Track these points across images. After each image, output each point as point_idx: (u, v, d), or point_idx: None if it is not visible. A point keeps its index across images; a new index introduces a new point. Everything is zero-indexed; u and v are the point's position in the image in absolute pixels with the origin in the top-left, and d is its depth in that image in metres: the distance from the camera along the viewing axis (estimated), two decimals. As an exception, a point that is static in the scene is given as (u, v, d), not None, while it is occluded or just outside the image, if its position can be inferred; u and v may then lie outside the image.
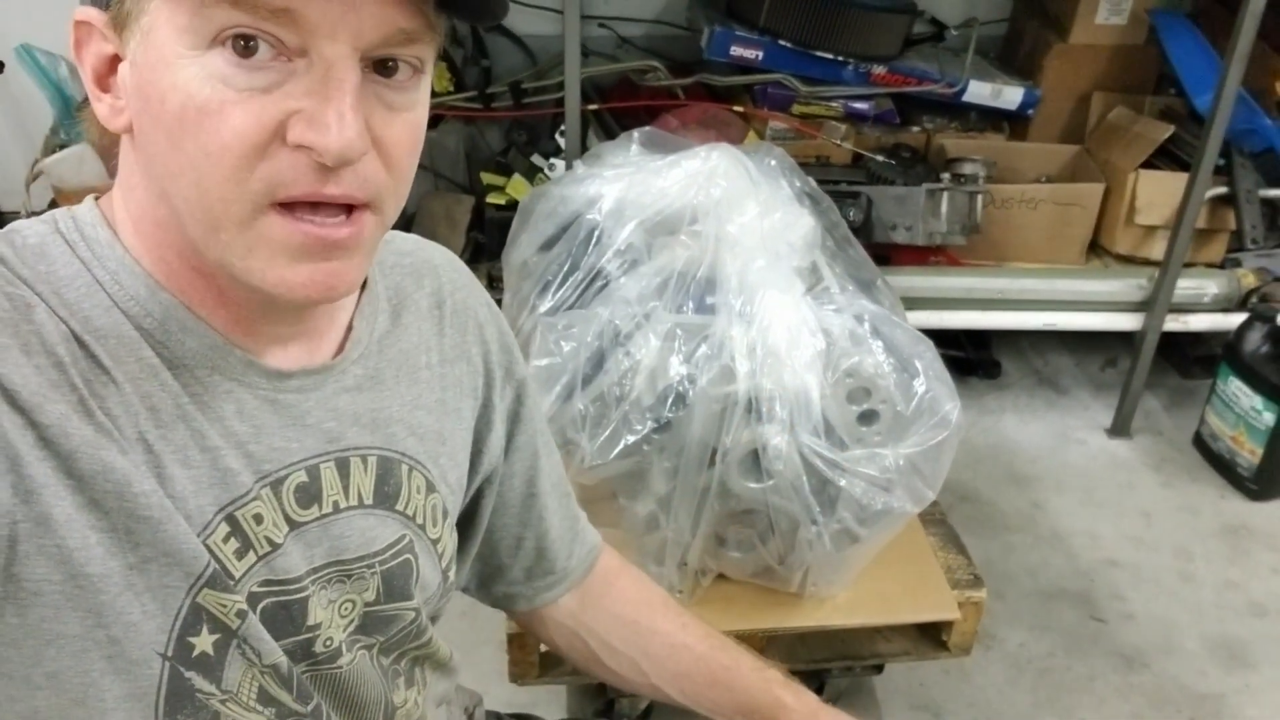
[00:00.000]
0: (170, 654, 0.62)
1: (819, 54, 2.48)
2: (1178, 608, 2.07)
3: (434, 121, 2.50)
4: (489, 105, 2.56)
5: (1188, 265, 2.46)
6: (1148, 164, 2.52)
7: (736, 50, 2.44)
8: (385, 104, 0.59)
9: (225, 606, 0.63)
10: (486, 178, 2.57)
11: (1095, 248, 2.67)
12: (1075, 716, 1.83)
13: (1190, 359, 2.74)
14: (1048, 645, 1.97)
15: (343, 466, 0.70)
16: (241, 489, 0.64)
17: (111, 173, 0.66)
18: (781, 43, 2.45)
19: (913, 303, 2.30)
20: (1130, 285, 2.48)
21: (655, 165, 1.32)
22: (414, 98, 0.61)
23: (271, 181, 0.56)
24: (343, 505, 0.70)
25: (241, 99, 0.55)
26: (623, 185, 1.31)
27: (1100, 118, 2.71)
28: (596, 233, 1.28)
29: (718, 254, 1.22)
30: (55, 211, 0.64)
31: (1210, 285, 2.48)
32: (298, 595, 0.68)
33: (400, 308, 0.77)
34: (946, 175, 2.43)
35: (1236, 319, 2.41)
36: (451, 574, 0.81)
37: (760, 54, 2.45)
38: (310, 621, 0.69)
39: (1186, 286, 2.44)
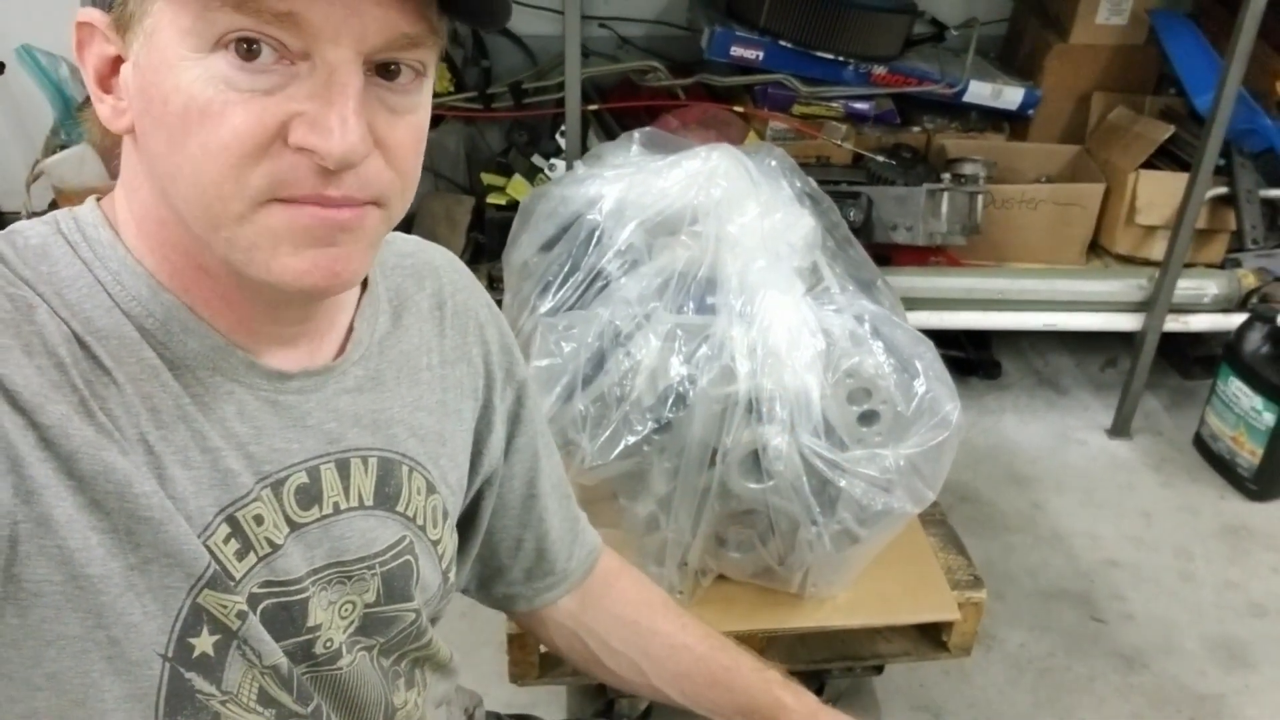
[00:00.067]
0: (170, 655, 0.62)
1: (819, 54, 2.48)
2: (1178, 608, 2.07)
3: (434, 122, 2.48)
4: (489, 106, 2.56)
5: (1188, 265, 2.46)
6: (1148, 164, 2.52)
7: (737, 50, 2.44)
8: (388, 107, 0.59)
9: (226, 607, 0.63)
10: (487, 178, 2.57)
11: (1095, 248, 2.67)
12: (1075, 717, 1.83)
13: (1190, 359, 2.74)
14: (1048, 645, 1.97)
15: (343, 468, 0.70)
16: (242, 490, 0.64)
17: (113, 173, 0.66)
18: (782, 43, 2.45)
19: (913, 303, 2.31)
20: (1130, 285, 2.48)
21: (656, 166, 1.32)
22: (416, 100, 0.61)
23: (273, 180, 0.56)
24: (343, 506, 0.70)
25: (243, 99, 0.55)
26: (623, 185, 1.31)
27: (1100, 118, 2.72)
28: (597, 233, 1.28)
29: (718, 254, 1.22)
30: (57, 212, 0.64)
31: (1210, 285, 2.48)
32: (298, 596, 0.68)
33: (401, 309, 0.77)
34: (947, 175, 2.43)
35: (1237, 319, 2.41)
36: (452, 575, 0.81)
37: (761, 54, 2.45)
38: (310, 623, 0.69)
39: (1187, 287, 2.44)
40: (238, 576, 0.64)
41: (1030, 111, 2.65)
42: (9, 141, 2.72)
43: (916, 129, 2.69)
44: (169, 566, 0.60)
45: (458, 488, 0.81)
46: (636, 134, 1.43)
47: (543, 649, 1.26)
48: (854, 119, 2.64)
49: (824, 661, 1.36)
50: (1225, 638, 2.00)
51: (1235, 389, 2.33)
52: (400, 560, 0.74)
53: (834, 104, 2.61)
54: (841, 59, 2.49)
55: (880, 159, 2.48)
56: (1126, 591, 2.10)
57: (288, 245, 0.58)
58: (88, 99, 0.63)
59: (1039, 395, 2.72)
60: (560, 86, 2.25)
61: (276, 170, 0.56)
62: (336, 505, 0.70)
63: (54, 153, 2.31)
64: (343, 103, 0.55)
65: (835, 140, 2.52)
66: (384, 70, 0.58)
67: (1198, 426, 2.51)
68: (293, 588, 0.67)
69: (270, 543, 0.66)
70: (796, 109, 2.60)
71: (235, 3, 0.53)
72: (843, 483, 1.17)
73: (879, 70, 2.53)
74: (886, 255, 2.46)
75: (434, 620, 0.83)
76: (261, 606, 0.66)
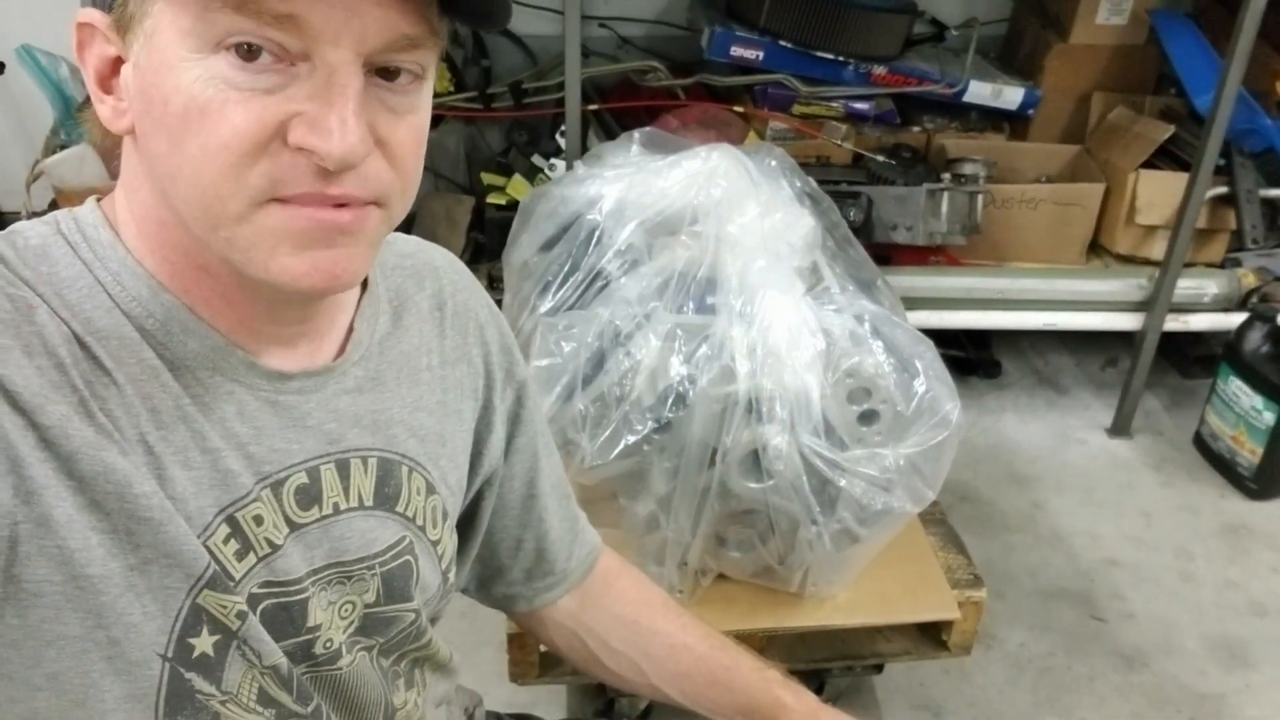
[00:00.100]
0: (170, 655, 0.62)
1: (819, 54, 2.48)
2: (1178, 607, 2.07)
3: (434, 122, 2.49)
4: (489, 105, 2.56)
5: (1188, 265, 2.46)
6: (1148, 164, 2.52)
7: (737, 50, 2.44)
8: (388, 107, 0.59)
9: (225, 608, 0.63)
10: (487, 178, 2.57)
11: (1095, 248, 2.67)
12: (1075, 716, 1.84)
13: (1190, 359, 2.74)
14: (1048, 645, 1.97)
15: (343, 468, 0.70)
16: (242, 490, 0.64)
17: (113, 174, 0.66)
18: (782, 43, 2.45)
19: (913, 303, 2.31)
20: (1130, 285, 2.48)
21: (656, 166, 1.32)
22: (416, 100, 0.61)
23: (272, 179, 0.57)
24: (343, 507, 0.71)
25: (243, 99, 0.55)
26: (623, 185, 1.31)
27: (1100, 118, 2.72)
28: (597, 233, 1.28)
29: (718, 254, 1.22)
30: (57, 213, 0.65)
31: (1210, 285, 2.48)
32: (298, 597, 0.68)
33: (401, 309, 0.77)
34: (947, 175, 2.43)
35: (1237, 319, 2.41)
36: (451, 575, 0.81)
37: (761, 54, 2.45)
38: (310, 623, 0.69)
39: (1187, 286, 2.44)
40: (237, 577, 0.64)
41: (1030, 111, 2.65)
42: (9, 141, 2.72)
43: (916, 129, 2.69)
44: (169, 567, 0.60)
45: (457, 488, 0.81)
46: (636, 134, 1.43)
47: (543, 648, 1.26)
48: (854, 119, 2.64)
49: (824, 661, 1.36)
50: (1225, 637, 2.00)
51: (1235, 388, 2.33)
52: (400, 560, 0.74)
53: (834, 104, 2.61)
54: (841, 59, 2.50)
55: (880, 159, 2.48)
56: (1126, 591, 2.10)
57: (287, 246, 0.58)
58: (88, 99, 0.63)
59: (1039, 395, 2.72)
60: (560, 86, 2.25)
61: (276, 169, 0.56)
62: (336, 506, 0.70)
63: (54, 153, 2.31)
64: (343, 104, 0.55)
65: (835, 140, 2.52)
66: (384, 72, 0.58)
67: (1198, 426, 2.51)
68: (292, 588, 0.67)
69: (270, 543, 0.66)
70: (796, 109, 2.60)
71: (235, 4, 0.53)
72: (843, 482, 1.17)
73: (879, 70, 2.53)
74: (887, 255, 2.46)
75: (434, 620, 0.83)
76: (261, 607, 0.66)
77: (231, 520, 0.64)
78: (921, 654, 1.35)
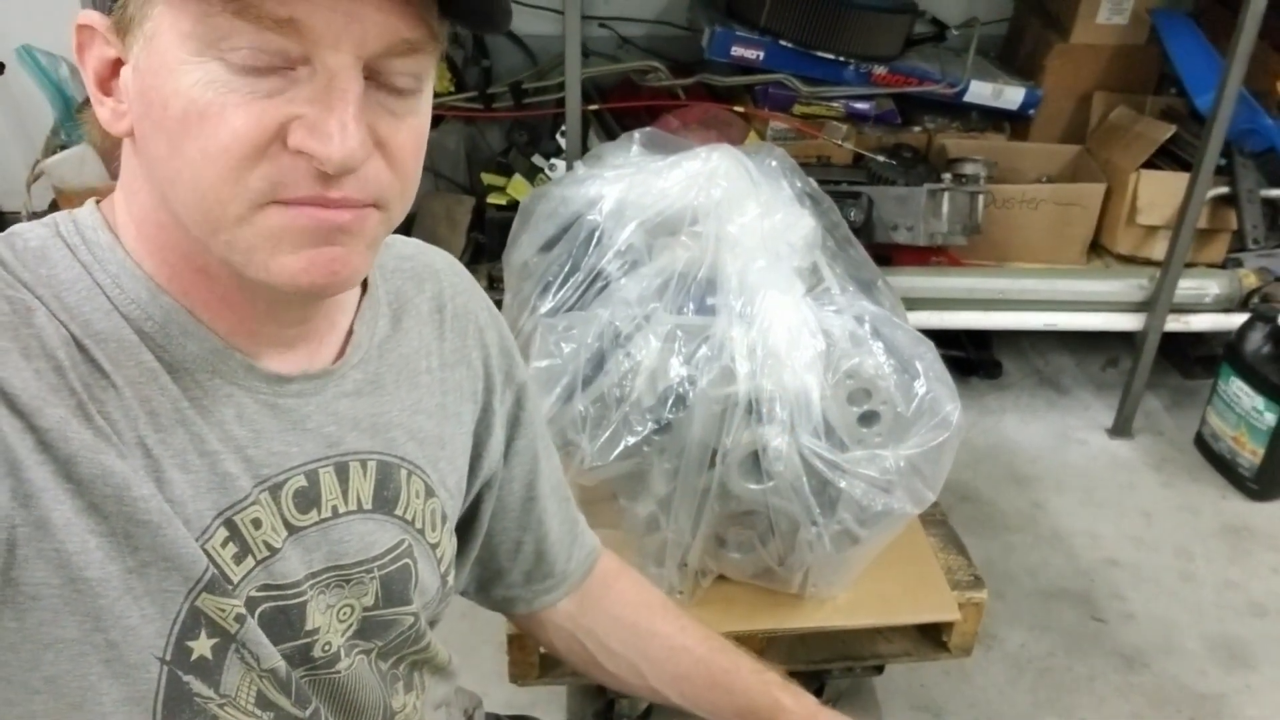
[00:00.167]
0: (168, 658, 0.62)
1: (820, 54, 2.48)
2: (1178, 608, 2.07)
3: (435, 122, 2.48)
4: (490, 105, 2.56)
5: (1189, 265, 2.46)
6: (1149, 164, 2.52)
7: (737, 50, 2.44)
8: (389, 110, 0.59)
9: (223, 611, 0.63)
10: (487, 178, 2.57)
11: (1096, 248, 2.67)
12: (1075, 716, 1.84)
13: (1191, 359, 2.74)
14: (1048, 645, 1.97)
15: (342, 471, 0.70)
16: (240, 493, 0.64)
17: (113, 174, 0.66)
18: (782, 43, 2.45)
19: (914, 303, 2.31)
20: (1131, 285, 2.48)
21: (656, 166, 1.32)
22: (417, 104, 0.61)
23: (272, 182, 0.56)
24: (341, 510, 0.70)
25: (243, 102, 0.55)
26: (623, 186, 1.31)
27: (1101, 118, 2.71)
28: (597, 233, 1.28)
29: (718, 255, 1.22)
30: (56, 215, 0.64)
31: (1211, 285, 2.48)
32: (296, 600, 0.68)
33: (401, 312, 0.77)
34: (947, 175, 2.43)
35: (1238, 319, 2.41)
36: (450, 578, 0.81)
37: (761, 54, 2.45)
38: (308, 626, 0.69)
39: (1188, 287, 2.44)
40: (235, 580, 0.64)
41: (1031, 111, 2.65)
42: (9, 141, 2.72)
43: (917, 129, 2.69)
44: (167, 570, 0.60)
45: (457, 491, 0.80)
46: (637, 134, 1.43)
47: (543, 649, 1.26)
48: (855, 119, 2.64)
49: (824, 662, 1.36)
50: (1225, 637, 2.00)
51: (1236, 389, 2.33)
52: (399, 564, 0.74)
53: (835, 104, 2.61)
54: (842, 59, 2.49)
55: (881, 159, 2.48)
56: (1127, 591, 2.10)
57: (287, 245, 0.58)
58: (88, 99, 0.63)
59: (1040, 395, 2.72)
60: (561, 86, 2.25)
61: (275, 172, 0.56)
62: (335, 509, 0.70)
63: (54, 153, 2.31)
64: (342, 108, 0.55)
65: (836, 140, 2.52)
66: (384, 75, 0.58)
67: (1199, 426, 2.51)
68: (290, 591, 0.67)
69: (268, 546, 0.66)
70: (797, 109, 2.59)
71: (235, 8, 0.53)
72: (843, 483, 1.17)
73: (880, 70, 2.53)
74: (887, 255, 2.46)
75: (433, 623, 0.83)
76: (259, 610, 0.66)
77: (230, 523, 0.64)
78: (922, 655, 1.35)
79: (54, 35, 2.32)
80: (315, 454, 0.69)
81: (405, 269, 0.79)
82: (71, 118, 2.37)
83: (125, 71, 0.59)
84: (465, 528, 0.87)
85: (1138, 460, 2.50)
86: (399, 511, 0.74)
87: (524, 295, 1.31)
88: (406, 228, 0.71)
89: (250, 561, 0.65)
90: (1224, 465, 2.42)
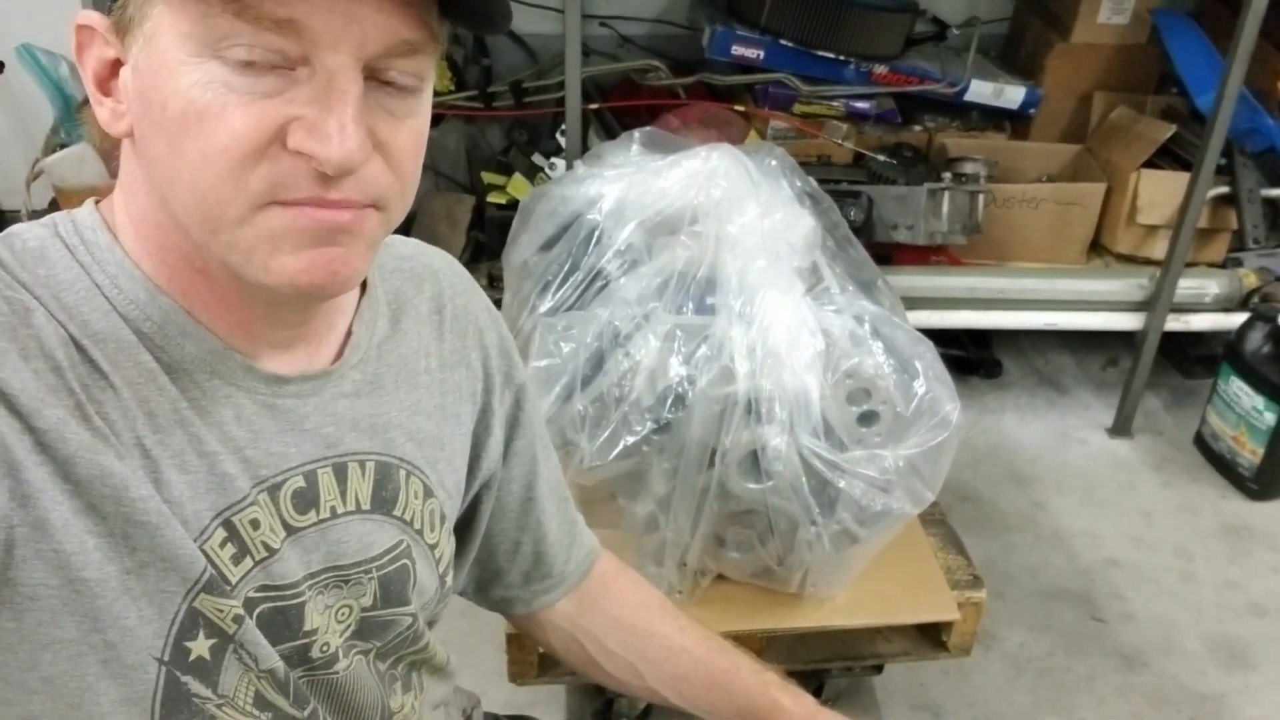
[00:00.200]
0: (166, 658, 0.62)
1: (820, 53, 2.47)
2: (1178, 608, 2.07)
3: (435, 120, 2.48)
4: (490, 104, 2.56)
5: (1189, 265, 2.45)
6: (1149, 163, 2.52)
7: (738, 50, 2.44)
8: (388, 111, 0.59)
9: (222, 611, 0.63)
10: (487, 177, 2.57)
11: (1096, 247, 2.67)
12: (1075, 716, 1.83)
13: (1191, 359, 2.74)
14: (1048, 645, 1.97)
15: (340, 472, 0.70)
16: (239, 494, 0.64)
17: (113, 173, 0.66)
18: (783, 42, 2.44)
19: (914, 302, 2.31)
20: (1131, 285, 2.48)
21: (656, 165, 1.32)
22: (416, 105, 0.61)
23: (271, 183, 0.56)
24: (340, 511, 0.70)
25: (242, 102, 0.55)
26: (623, 185, 1.31)
27: (1102, 117, 2.71)
28: (597, 233, 1.28)
29: (718, 254, 1.22)
30: (55, 215, 0.64)
31: (1212, 285, 2.48)
32: (294, 600, 0.68)
33: (400, 313, 0.77)
34: (948, 175, 2.43)
35: (1238, 319, 2.41)
36: (449, 579, 0.81)
37: (761, 53, 2.45)
38: (307, 627, 0.69)
39: (1188, 286, 2.44)
40: (234, 581, 0.64)
41: (1031, 111, 2.65)
42: (9, 140, 2.72)
43: (917, 128, 2.68)
44: (165, 570, 0.60)
45: (455, 491, 0.80)
46: (636, 133, 1.43)
47: (541, 649, 1.26)
48: (855, 118, 2.64)
49: (823, 661, 1.36)
50: (1225, 637, 2.00)
51: (1236, 388, 2.33)
52: (397, 564, 0.74)
53: (835, 103, 2.60)
54: (842, 58, 2.49)
55: (881, 158, 2.48)
56: (1126, 591, 2.10)
57: (287, 246, 0.58)
58: (88, 98, 0.63)
59: (1040, 394, 2.72)
60: (561, 85, 2.25)
61: (275, 173, 0.56)
62: (333, 509, 0.70)
63: (54, 151, 2.31)
64: (341, 109, 0.55)
65: (836, 139, 2.52)
66: (383, 76, 0.58)
67: (1199, 426, 2.51)
68: (289, 592, 0.67)
69: (266, 547, 0.66)
70: (797, 108, 2.59)
71: (235, 9, 0.53)
72: (842, 483, 1.17)
73: (880, 69, 2.53)
74: (887, 254, 2.46)
75: (431, 624, 0.83)
76: (258, 610, 0.66)
77: (228, 524, 0.64)
78: (921, 655, 1.35)
79: (54, 34, 2.32)
80: (314, 455, 0.69)
81: (404, 269, 0.79)
82: (71, 116, 2.37)
83: (125, 72, 0.59)
84: (464, 528, 0.87)
85: (1138, 460, 2.50)
86: (397, 512, 0.74)
87: (523, 294, 1.31)
88: (406, 227, 0.71)
89: (248, 562, 0.65)
90: (1224, 465, 2.42)
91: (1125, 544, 2.23)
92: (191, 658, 0.63)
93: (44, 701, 0.60)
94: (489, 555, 0.91)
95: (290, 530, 0.67)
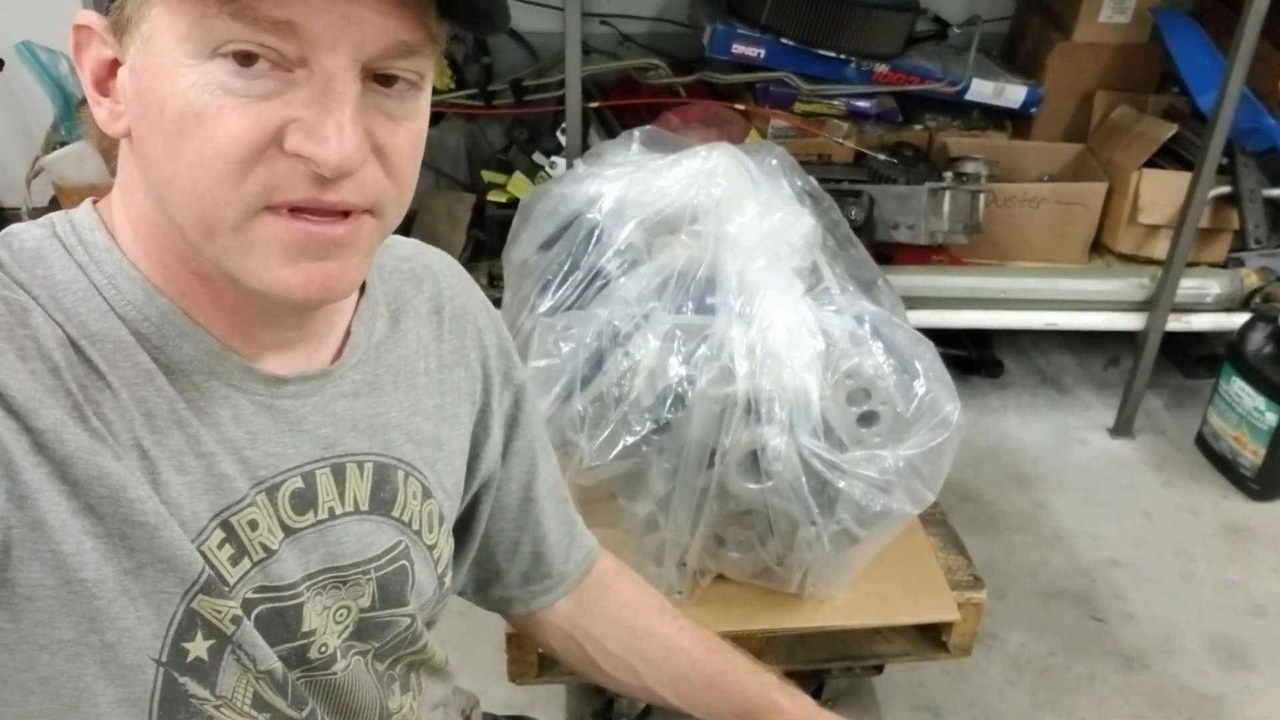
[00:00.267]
0: (164, 659, 0.62)
1: (821, 52, 2.47)
2: (1178, 608, 2.07)
3: (435, 119, 2.49)
4: (490, 103, 2.55)
5: (1190, 265, 2.45)
6: (1150, 163, 2.51)
7: (738, 48, 2.43)
8: (386, 113, 0.59)
9: (220, 612, 0.63)
10: (488, 175, 2.57)
11: (1098, 247, 2.67)
12: (1075, 716, 1.83)
13: (1193, 359, 2.74)
14: (1048, 645, 1.97)
15: (339, 473, 0.70)
16: (237, 495, 0.64)
17: (113, 171, 0.66)
18: (784, 41, 2.44)
19: (915, 302, 2.30)
20: (1133, 285, 2.48)
21: (656, 164, 1.32)
22: (415, 107, 0.61)
23: (267, 186, 0.56)
24: (339, 511, 0.70)
25: (239, 104, 0.55)
26: (623, 184, 1.30)
27: (1103, 116, 2.71)
28: (597, 232, 1.28)
29: (717, 254, 1.22)
30: (53, 215, 0.64)
31: (1213, 285, 2.48)
32: (292, 601, 0.68)
33: (399, 313, 0.77)
34: (949, 174, 2.42)
35: (1239, 319, 2.41)
36: (447, 580, 0.81)
37: (762, 52, 2.45)
38: (305, 628, 0.69)
39: (1189, 286, 2.44)
40: (232, 582, 0.64)
41: (1033, 110, 2.65)
42: (9, 138, 2.72)
43: (918, 127, 2.68)
44: (163, 571, 0.60)
45: (454, 492, 0.80)
46: (637, 132, 1.43)
47: (540, 649, 1.26)
48: (856, 117, 2.63)
49: (823, 662, 1.36)
50: (1225, 638, 2.00)
51: (1238, 389, 2.33)
52: (395, 565, 0.74)
53: (836, 102, 2.60)
54: (843, 57, 2.49)
55: (882, 157, 2.47)
56: (1127, 591, 2.10)
57: (281, 258, 0.58)
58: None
59: (1041, 394, 2.72)
60: (561, 84, 2.25)
61: (272, 175, 0.56)
62: (332, 510, 0.70)
63: (54, 149, 2.31)
64: (339, 111, 0.55)
65: (837, 138, 2.52)
66: (382, 78, 0.58)
67: (1200, 426, 2.51)
68: (287, 593, 0.67)
69: (265, 548, 0.66)
70: (798, 107, 2.59)
71: (232, 10, 0.53)
72: (842, 484, 1.17)
73: (881, 68, 2.52)
74: (888, 254, 2.46)
75: (430, 624, 0.83)
76: (256, 611, 0.66)
77: (226, 525, 0.64)
78: (921, 655, 1.35)
79: (54, 32, 2.32)
80: (312, 455, 0.68)
81: (404, 270, 0.78)
82: (71, 114, 2.37)
83: (122, 72, 0.59)
84: (463, 528, 0.87)
85: (1139, 460, 2.50)
86: (396, 513, 0.74)
87: (523, 293, 1.31)
88: (406, 225, 0.71)
89: (247, 563, 0.65)
90: (1225, 465, 2.41)
91: (1126, 544, 2.23)
92: (189, 658, 0.63)
93: (41, 702, 0.60)
94: (488, 555, 0.90)
95: (288, 531, 0.67)
